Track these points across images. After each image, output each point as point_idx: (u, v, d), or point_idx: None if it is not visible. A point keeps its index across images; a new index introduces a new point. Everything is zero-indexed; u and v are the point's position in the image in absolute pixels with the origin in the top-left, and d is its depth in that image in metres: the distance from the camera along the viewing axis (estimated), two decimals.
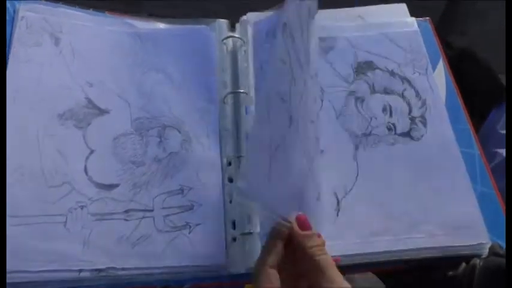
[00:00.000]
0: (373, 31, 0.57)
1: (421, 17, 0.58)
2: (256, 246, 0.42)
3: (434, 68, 0.55)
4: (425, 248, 0.44)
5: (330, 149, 0.49)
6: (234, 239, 0.43)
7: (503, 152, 0.46)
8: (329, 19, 0.57)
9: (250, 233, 0.43)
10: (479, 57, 0.66)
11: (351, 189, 0.47)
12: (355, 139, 0.50)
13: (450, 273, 0.45)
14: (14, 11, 0.49)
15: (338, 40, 0.56)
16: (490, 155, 0.61)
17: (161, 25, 0.53)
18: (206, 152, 0.46)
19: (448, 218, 0.46)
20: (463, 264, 0.44)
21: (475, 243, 0.45)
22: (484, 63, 0.67)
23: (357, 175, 0.48)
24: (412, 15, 0.58)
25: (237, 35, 0.53)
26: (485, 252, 0.45)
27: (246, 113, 0.49)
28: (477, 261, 0.43)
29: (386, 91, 0.53)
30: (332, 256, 0.34)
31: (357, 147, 0.49)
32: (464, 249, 0.44)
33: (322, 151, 0.48)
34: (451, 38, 0.81)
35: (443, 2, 1.11)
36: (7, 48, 0.46)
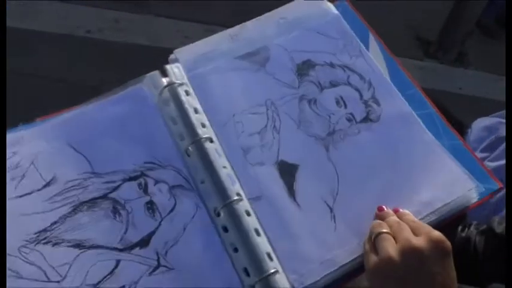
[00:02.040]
0: (299, 29, 0.57)
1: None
2: (277, 285, 0.42)
3: (367, 46, 0.56)
4: (423, 217, 0.46)
5: (305, 161, 0.49)
6: (253, 287, 0.43)
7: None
8: (255, 30, 0.56)
9: (269, 276, 0.42)
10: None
11: (337, 193, 0.48)
12: (322, 141, 0.51)
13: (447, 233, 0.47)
14: None
15: (271, 49, 0.55)
16: None
17: (90, 106, 0.50)
18: (192, 214, 0.45)
19: (433, 182, 0.48)
20: (459, 232, 0.47)
21: (465, 191, 0.47)
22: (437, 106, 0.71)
23: (337, 176, 0.49)
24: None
25: (173, 80, 0.51)
26: (474, 198, 0.47)
27: (219, 155, 0.48)
28: (473, 232, 0.46)
29: (333, 84, 0.54)
30: None
31: (327, 149, 0.50)
32: (458, 203, 0.47)
33: (298, 165, 0.49)
34: None
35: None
36: None
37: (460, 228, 0.47)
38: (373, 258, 0.40)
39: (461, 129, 0.71)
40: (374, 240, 0.40)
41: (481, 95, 1.60)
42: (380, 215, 0.44)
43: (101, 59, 1.51)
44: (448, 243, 0.38)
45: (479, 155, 0.65)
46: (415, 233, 0.40)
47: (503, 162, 0.58)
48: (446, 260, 0.38)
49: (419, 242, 0.38)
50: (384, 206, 0.45)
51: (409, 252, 0.38)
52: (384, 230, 0.40)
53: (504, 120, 0.65)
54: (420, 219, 0.45)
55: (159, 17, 1.51)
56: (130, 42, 1.52)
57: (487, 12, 1.76)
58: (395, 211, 0.45)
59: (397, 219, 0.42)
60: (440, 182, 0.48)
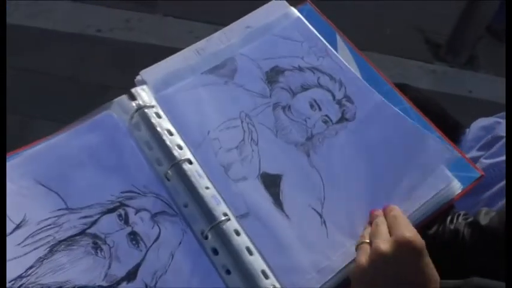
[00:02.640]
0: (264, 36, 0.56)
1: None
2: None
3: (335, 47, 0.56)
4: (410, 214, 0.46)
5: (287, 170, 0.48)
6: None
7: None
8: (221, 42, 0.55)
9: None
10: (431, 103, 0.69)
11: (324, 198, 0.47)
12: (302, 147, 0.50)
13: (431, 231, 0.47)
14: None
15: (237, 59, 0.54)
16: None
17: (57, 137, 0.47)
18: (178, 240, 0.43)
19: (413, 177, 0.48)
20: (447, 225, 0.47)
21: (444, 185, 0.48)
22: (435, 109, 0.71)
23: (322, 181, 0.48)
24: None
25: (142, 104, 0.49)
26: (457, 189, 0.48)
27: (200, 176, 0.46)
28: (461, 224, 0.46)
29: (304, 88, 0.53)
30: None
31: (308, 155, 0.49)
32: (438, 198, 0.47)
33: (281, 175, 0.48)
34: None
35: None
36: None
37: (449, 219, 0.47)
38: (353, 270, 0.41)
39: (458, 129, 0.72)
40: (356, 251, 0.42)
41: (491, 99, 1.59)
42: (371, 217, 0.45)
43: (111, 58, 1.51)
44: (419, 242, 0.39)
45: (475, 153, 0.66)
46: (390, 233, 0.41)
47: (498, 159, 0.59)
48: (418, 259, 0.38)
49: (386, 246, 0.39)
50: (374, 209, 0.45)
51: (376, 258, 0.39)
52: (365, 240, 0.42)
53: (501, 120, 0.66)
54: (408, 215, 0.45)
55: (169, 17, 1.52)
56: (140, 42, 1.51)
57: (498, 16, 1.74)
58: (384, 208, 0.45)
59: (377, 221, 0.43)
60: (421, 179, 0.48)
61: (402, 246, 0.38)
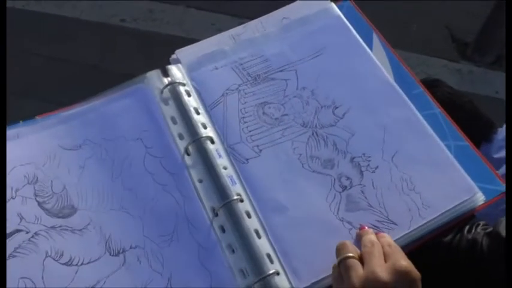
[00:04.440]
0: (301, 28, 0.56)
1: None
2: (277, 287, 0.41)
3: (370, 46, 0.55)
4: (427, 222, 0.45)
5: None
6: None
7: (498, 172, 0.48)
8: (257, 30, 0.56)
9: (266, 277, 0.41)
10: (464, 100, 0.68)
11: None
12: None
13: (446, 239, 0.46)
14: None
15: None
16: None
17: (96, 102, 0.49)
18: (188, 212, 0.44)
19: (435, 185, 0.46)
20: (465, 234, 0.45)
21: (467, 197, 0.46)
22: (468, 106, 0.69)
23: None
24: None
25: (174, 80, 0.51)
26: (479, 201, 0.46)
27: (220, 156, 0.47)
28: (480, 234, 0.44)
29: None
30: None
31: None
32: (462, 207, 0.46)
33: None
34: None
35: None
36: None
37: (466, 228, 0.45)
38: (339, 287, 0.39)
39: (491, 127, 0.69)
40: (339, 265, 0.39)
41: None
42: (359, 233, 0.43)
43: (134, 47, 1.54)
44: (415, 273, 0.37)
45: (505, 154, 0.63)
46: (385, 259, 0.39)
47: None
48: None
49: (383, 274, 0.37)
50: (365, 226, 0.44)
51: (373, 285, 0.37)
52: (349, 255, 0.39)
53: None
54: (423, 224, 0.44)
55: (192, 9, 1.55)
56: (163, 33, 1.53)
57: None
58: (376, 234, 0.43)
59: (372, 239, 0.41)
60: (442, 186, 0.46)
61: (401, 276, 0.36)
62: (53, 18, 1.60)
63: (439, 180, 0.47)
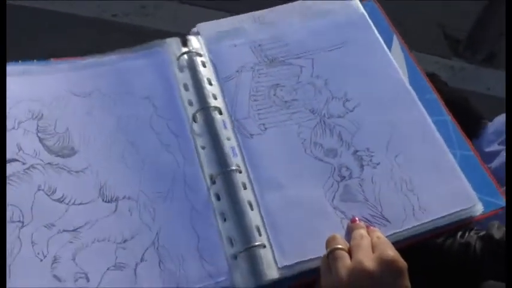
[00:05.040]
0: (323, 19, 0.57)
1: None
2: (261, 259, 0.41)
3: (389, 47, 0.56)
4: (421, 224, 0.44)
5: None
6: (235, 257, 0.41)
7: (490, 166, 0.48)
8: (281, 15, 0.57)
9: (251, 247, 0.41)
10: (455, 96, 0.69)
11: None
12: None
13: (439, 241, 0.45)
14: None
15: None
16: None
17: (113, 56, 0.50)
18: (186, 174, 0.45)
19: (435, 189, 0.46)
20: (458, 238, 0.45)
21: (465, 207, 0.45)
22: (460, 100, 0.70)
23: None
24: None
25: (192, 49, 0.52)
26: (478, 212, 0.45)
27: (225, 127, 0.47)
28: (473, 238, 0.44)
29: None
30: None
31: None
32: (459, 215, 0.45)
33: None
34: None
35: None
36: None
37: (459, 233, 0.44)
38: (327, 278, 0.39)
39: (480, 123, 0.69)
40: (328, 257, 0.39)
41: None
42: (350, 226, 0.43)
43: (126, 42, 1.58)
44: (402, 263, 0.37)
45: (496, 147, 0.63)
46: (373, 250, 0.39)
47: None
48: (399, 280, 0.37)
49: (370, 263, 0.37)
50: (356, 218, 0.44)
51: (359, 275, 0.37)
52: (338, 246, 0.39)
53: None
54: (416, 225, 0.44)
55: (185, 4, 1.53)
56: (155, 28, 1.52)
57: None
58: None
59: (362, 233, 0.41)
60: (442, 191, 0.46)
61: (387, 265, 0.37)
62: (44, 13, 1.58)
63: (440, 186, 0.46)
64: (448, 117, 0.52)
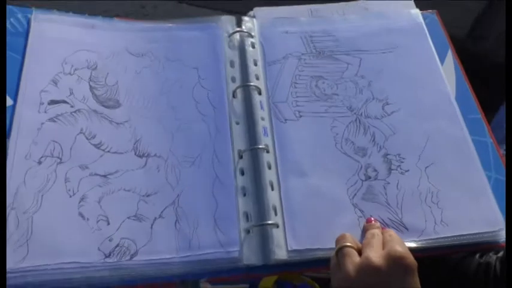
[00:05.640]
0: (379, 21, 0.56)
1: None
2: (272, 238, 0.42)
3: (442, 61, 0.55)
4: (439, 238, 0.43)
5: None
6: (248, 232, 0.42)
7: None
8: (335, 12, 0.57)
9: (265, 225, 0.42)
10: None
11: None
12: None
13: (455, 258, 0.44)
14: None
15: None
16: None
17: (170, 24, 0.53)
18: (216, 145, 0.46)
19: (461, 206, 0.45)
20: (477, 258, 0.43)
21: (489, 230, 0.44)
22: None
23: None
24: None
25: (244, 30, 0.53)
26: (502, 238, 0.44)
27: (262, 107, 0.48)
28: (492, 258, 0.43)
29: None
30: None
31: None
32: (481, 237, 0.44)
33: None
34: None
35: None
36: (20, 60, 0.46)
37: (478, 254, 0.43)
38: (336, 275, 0.39)
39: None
40: (337, 254, 0.39)
41: None
42: (365, 226, 0.43)
43: None
44: (412, 261, 0.36)
45: None
46: (383, 247, 0.39)
47: None
48: (408, 277, 0.36)
49: (378, 259, 0.37)
50: (372, 218, 0.43)
51: (366, 270, 0.36)
52: (347, 244, 0.39)
53: None
54: (434, 238, 0.43)
55: (184, 4, 1.52)
56: None
57: None
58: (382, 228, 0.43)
59: (374, 232, 0.41)
60: (468, 210, 0.45)
61: (395, 261, 0.36)
62: None
63: (467, 204, 0.45)
64: (490, 140, 0.50)
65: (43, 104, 0.45)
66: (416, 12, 0.58)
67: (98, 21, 0.51)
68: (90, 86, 0.47)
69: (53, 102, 0.45)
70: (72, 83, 0.46)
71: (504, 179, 0.48)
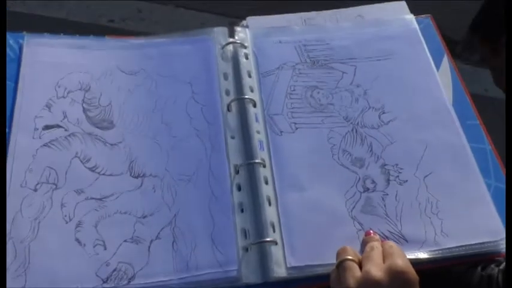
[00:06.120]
0: (374, 28, 0.56)
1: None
2: (271, 255, 0.41)
3: (438, 66, 0.54)
4: (440, 249, 0.43)
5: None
6: (246, 250, 0.42)
7: None
8: (328, 20, 0.56)
9: (263, 242, 0.42)
10: None
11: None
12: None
13: (458, 270, 0.44)
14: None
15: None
16: None
17: (162, 39, 0.52)
18: (212, 161, 0.46)
19: (461, 216, 0.45)
20: (479, 271, 0.43)
21: (490, 240, 0.44)
22: None
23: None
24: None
25: (237, 41, 0.53)
26: (502, 248, 0.44)
27: (257, 120, 0.48)
28: (494, 270, 0.42)
29: None
30: None
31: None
32: (482, 247, 0.44)
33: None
34: None
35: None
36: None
37: (480, 266, 0.43)
38: None
39: None
40: (338, 268, 0.39)
41: None
42: (364, 239, 0.43)
43: None
44: (413, 275, 0.36)
45: None
46: (384, 260, 0.38)
47: None
48: None
49: (378, 273, 0.36)
50: (371, 231, 0.43)
51: (367, 284, 0.36)
52: (348, 257, 0.39)
53: None
54: (435, 250, 0.43)
55: (181, 9, 1.51)
56: (152, 33, 1.59)
57: None
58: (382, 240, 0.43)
59: (374, 245, 0.40)
60: (469, 219, 0.45)
61: (396, 276, 0.36)
62: (39, 19, 1.51)
63: (467, 214, 0.45)
64: (489, 147, 0.50)
65: (37, 129, 0.44)
66: (410, 17, 0.57)
67: (89, 41, 0.51)
68: (84, 108, 0.46)
69: (47, 127, 0.45)
70: (65, 106, 0.46)
71: (504, 186, 0.47)
